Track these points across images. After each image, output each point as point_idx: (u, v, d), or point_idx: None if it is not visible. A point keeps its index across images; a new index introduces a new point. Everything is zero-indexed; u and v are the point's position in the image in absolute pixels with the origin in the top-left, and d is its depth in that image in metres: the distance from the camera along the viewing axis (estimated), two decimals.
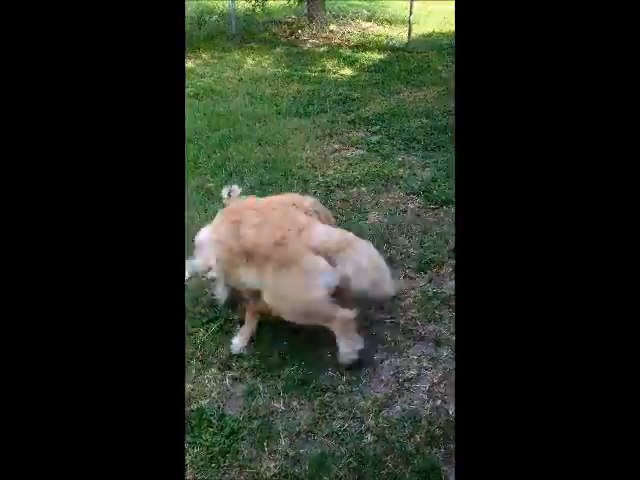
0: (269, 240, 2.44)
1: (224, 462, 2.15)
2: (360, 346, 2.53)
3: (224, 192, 3.03)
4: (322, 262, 2.38)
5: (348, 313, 2.46)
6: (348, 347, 2.52)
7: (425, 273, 3.23)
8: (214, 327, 2.82)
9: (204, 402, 2.41)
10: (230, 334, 2.79)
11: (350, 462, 2.12)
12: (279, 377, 2.52)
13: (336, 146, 5.09)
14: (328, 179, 4.42)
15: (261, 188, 4.13)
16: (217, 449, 2.19)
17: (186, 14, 10.01)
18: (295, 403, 2.39)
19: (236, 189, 3.04)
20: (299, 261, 2.39)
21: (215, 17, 10.37)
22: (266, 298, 2.53)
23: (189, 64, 7.93)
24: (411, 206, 3.97)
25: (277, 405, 2.38)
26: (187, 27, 9.51)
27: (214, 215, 2.93)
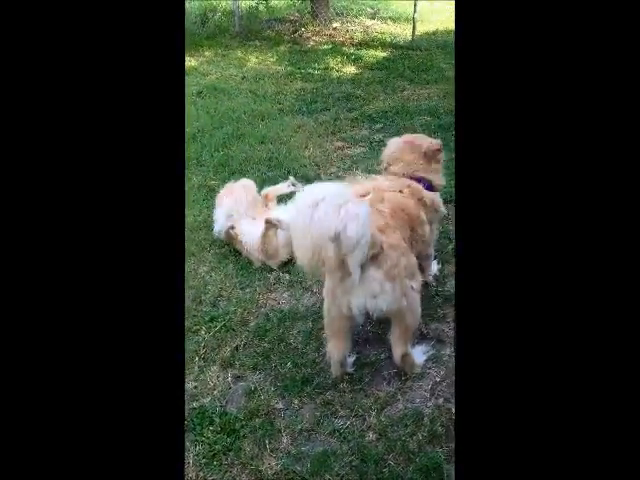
0: None
1: (226, 460, 2.16)
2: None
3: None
4: None
5: None
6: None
7: None
8: (216, 325, 2.82)
9: (206, 400, 2.41)
10: (233, 332, 2.79)
11: (352, 460, 2.12)
12: (281, 375, 2.51)
13: (339, 144, 5.08)
14: (331, 177, 4.41)
15: (263, 186, 4.12)
16: (219, 447, 2.19)
17: (189, 12, 10.03)
18: (297, 401, 2.38)
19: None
20: None
21: (218, 15, 10.36)
22: None
23: (192, 62, 7.93)
24: None
25: (279, 405, 2.37)
26: (190, 25, 9.52)
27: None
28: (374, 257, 2.13)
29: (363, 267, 2.10)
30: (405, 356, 2.40)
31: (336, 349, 2.39)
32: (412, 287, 2.29)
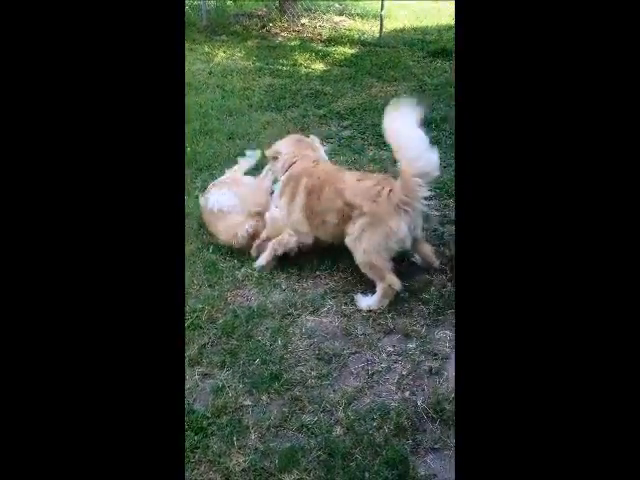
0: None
1: (193, 458, 2.15)
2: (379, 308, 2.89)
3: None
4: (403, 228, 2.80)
5: (397, 281, 2.88)
6: (376, 303, 2.88)
7: (395, 266, 3.25)
8: (185, 323, 2.80)
9: None
10: (200, 329, 2.78)
11: (320, 455, 2.14)
12: (249, 372, 2.52)
13: None
14: None
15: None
16: (187, 444, 2.18)
17: None
18: (265, 397, 2.39)
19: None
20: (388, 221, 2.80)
21: (186, 9, 10.24)
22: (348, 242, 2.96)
23: None
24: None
25: (247, 402, 2.37)
26: None
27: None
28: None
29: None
30: None
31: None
32: None
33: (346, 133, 5.25)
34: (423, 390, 2.41)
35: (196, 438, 2.20)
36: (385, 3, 8.59)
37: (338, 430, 2.24)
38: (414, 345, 2.65)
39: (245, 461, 2.13)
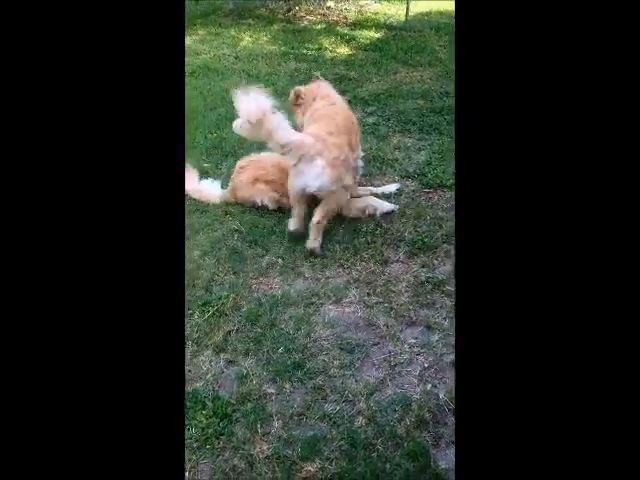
0: None
1: (218, 444, 2.20)
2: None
3: None
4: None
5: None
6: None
7: (418, 258, 3.26)
8: (209, 310, 2.85)
9: (199, 384, 2.45)
10: (225, 317, 2.83)
11: (341, 445, 2.17)
12: (273, 360, 2.56)
13: None
14: None
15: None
16: (211, 431, 2.24)
17: None
18: (288, 386, 2.43)
19: None
20: None
21: None
22: None
23: (186, 41, 7.84)
24: (405, 190, 3.98)
25: (270, 389, 2.42)
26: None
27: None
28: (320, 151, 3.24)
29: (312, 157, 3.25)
30: (318, 224, 3.33)
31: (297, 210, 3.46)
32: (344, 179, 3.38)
33: (370, 120, 5.22)
34: (445, 383, 2.42)
35: (221, 424, 2.26)
36: None
37: (360, 420, 2.27)
38: (436, 337, 2.66)
39: (269, 448, 2.17)
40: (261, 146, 4.30)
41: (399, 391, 2.40)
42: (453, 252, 3.19)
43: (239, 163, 3.95)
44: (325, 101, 3.77)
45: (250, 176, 3.81)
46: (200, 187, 4.00)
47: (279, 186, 3.75)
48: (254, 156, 3.98)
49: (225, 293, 2.99)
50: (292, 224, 3.47)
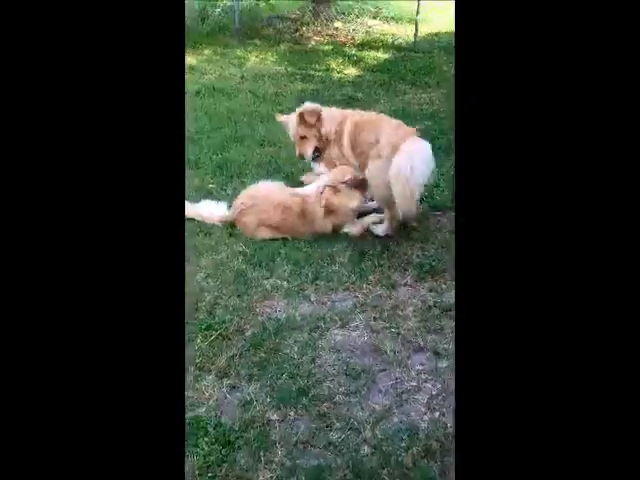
0: None
1: (220, 472, 2.15)
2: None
3: None
4: None
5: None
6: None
7: (426, 282, 3.22)
8: (213, 334, 2.81)
9: (201, 410, 2.40)
10: (229, 341, 2.78)
11: (346, 474, 2.11)
12: (276, 386, 2.51)
13: None
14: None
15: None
16: (213, 458, 2.18)
17: (190, 9, 9.99)
18: (292, 413, 2.38)
19: None
20: None
21: (218, 11, 10.33)
22: None
23: (192, 60, 7.91)
24: None
25: (274, 416, 2.37)
26: (190, 22, 9.49)
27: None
28: None
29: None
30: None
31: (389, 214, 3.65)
32: None
33: None
34: (452, 411, 2.37)
35: (223, 452, 2.20)
36: (421, 5, 8.52)
37: (365, 449, 2.22)
38: (444, 364, 2.61)
39: (272, 477, 2.12)
40: (263, 169, 4.33)
41: (406, 419, 2.35)
42: None
43: (240, 200, 3.83)
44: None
45: (253, 220, 3.71)
46: (202, 209, 3.94)
47: (282, 228, 3.69)
48: (254, 189, 3.89)
49: (229, 316, 2.95)
50: (384, 229, 3.60)
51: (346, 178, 3.67)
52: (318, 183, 3.76)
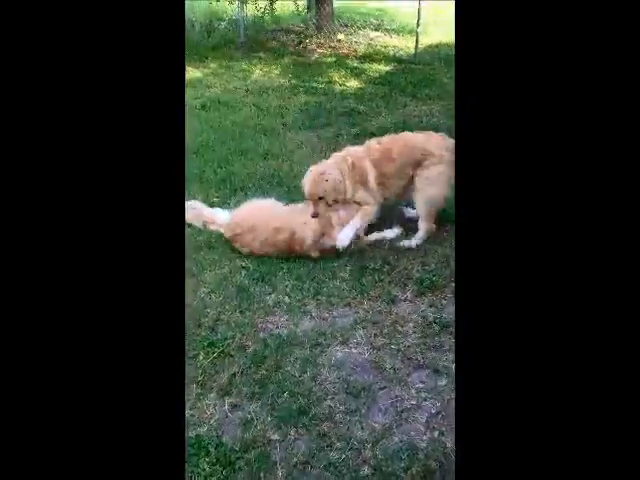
0: None
1: None
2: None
3: None
4: None
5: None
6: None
7: (426, 297, 3.24)
8: (215, 351, 2.82)
9: (202, 429, 2.41)
10: (231, 358, 2.80)
11: None
12: (277, 405, 2.52)
13: None
14: None
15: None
16: (214, 479, 2.19)
17: (194, 21, 10.07)
18: (293, 432, 2.39)
19: None
20: None
21: (224, 24, 10.41)
22: None
23: (197, 74, 7.97)
24: (413, 226, 3.96)
25: (275, 436, 2.37)
26: (195, 35, 9.57)
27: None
28: None
29: None
30: None
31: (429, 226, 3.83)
32: None
33: None
34: (452, 430, 2.37)
35: (224, 473, 2.21)
36: (422, 18, 8.56)
37: (365, 470, 2.22)
38: (444, 382, 2.62)
39: None
40: (266, 182, 4.35)
41: (406, 439, 2.35)
42: None
43: (235, 219, 3.85)
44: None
45: (249, 242, 3.70)
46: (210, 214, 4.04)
47: (278, 250, 3.68)
48: (247, 210, 3.91)
49: (231, 333, 2.96)
50: (419, 239, 3.78)
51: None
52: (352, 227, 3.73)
